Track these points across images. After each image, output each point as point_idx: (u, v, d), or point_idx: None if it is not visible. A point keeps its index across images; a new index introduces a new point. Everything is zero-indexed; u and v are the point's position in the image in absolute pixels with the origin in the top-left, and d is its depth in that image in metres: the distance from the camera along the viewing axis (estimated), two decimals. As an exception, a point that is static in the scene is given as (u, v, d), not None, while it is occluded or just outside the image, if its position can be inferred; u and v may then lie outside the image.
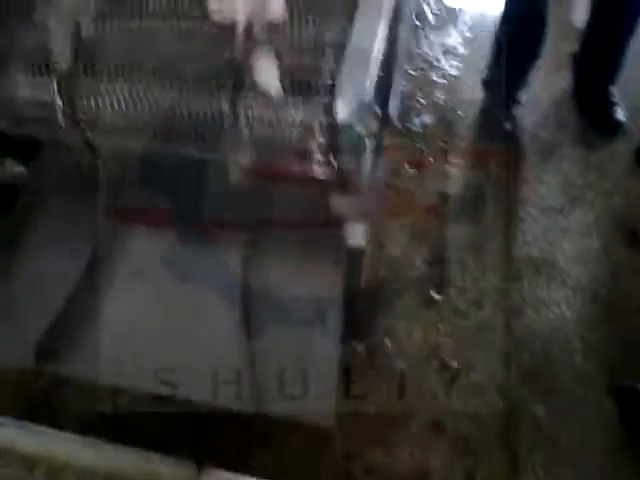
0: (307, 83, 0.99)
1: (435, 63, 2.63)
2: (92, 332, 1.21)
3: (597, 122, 2.28)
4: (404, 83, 2.34)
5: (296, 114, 0.98)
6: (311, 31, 1.04)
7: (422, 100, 2.45)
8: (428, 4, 2.82)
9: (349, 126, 0.96)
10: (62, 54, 1.07)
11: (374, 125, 1.02)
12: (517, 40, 2.12)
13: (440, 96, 2.49)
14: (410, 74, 2.51)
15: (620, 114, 2.27)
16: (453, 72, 2.60)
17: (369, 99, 0.98)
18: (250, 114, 1.00)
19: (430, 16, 2.81)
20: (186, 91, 1.02)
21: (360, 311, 1.63)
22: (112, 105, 1.04)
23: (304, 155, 1.01)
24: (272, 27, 0.98)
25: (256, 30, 0.98)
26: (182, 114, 1.03)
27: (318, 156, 1.00)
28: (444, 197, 2.09)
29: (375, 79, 1.02)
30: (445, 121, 2.38)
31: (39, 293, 1.22)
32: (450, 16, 2.81)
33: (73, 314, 1.22)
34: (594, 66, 2.30)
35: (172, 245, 1.32)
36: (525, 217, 2.03)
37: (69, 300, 1.22)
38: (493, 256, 1.92)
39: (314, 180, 1.03)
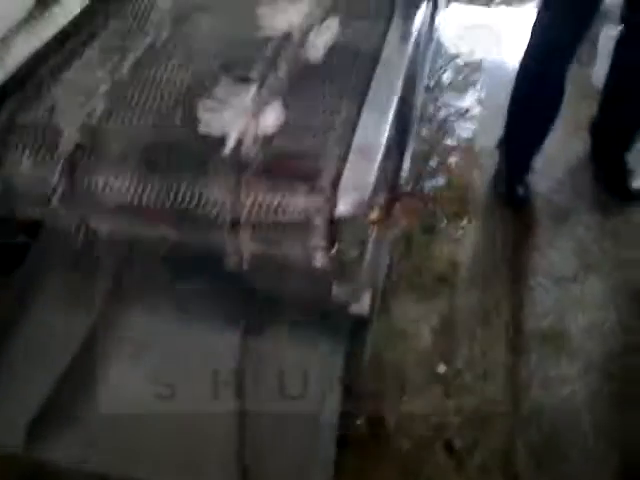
0: (309, 176, 0.99)
1: (449, 126, 2.63)
2: (87, 413, 1.19)
3: (613, 189, 2.25)
4: (416, 146, 2.34)
5: (298, 206, 0.97)
6: (316, 124, 1.04)
7: (435, 163, 2.45)
8: (443, 66, 2.85)
9: (351, 219, 0.95)
10: (69, 135, 1.08)
11: (377, 215, 1.00)
12: (533, 104, 2.12)
13: (454, 159, 2.48)
14: (423, 137, 2.51)
15: (636, 182, 2.24)
16: (467, 135, 2.59)
17: (373, 191, 0.98)
18: (252, 202, 1.00)
19: (445, 78, 2.83)
20: (185, 179, 1.02)
21: (363, 385, 1.59)
22: (113, 189, 1.04)
23: (305, 245, 0.99)
24: (266, 140, 0.98)
25: (246, 145, 0.98)
26: (183, 200, 1.02)
27: (319, 247, 0.99)
28: (455, 264, 2.06)
29: (380, 171, 1.01)
30: (458, 185, 2.36)
31: (32, 371, 1.21)
32: (465, 78, 2.82)
33: (67, 394, 1.20)
34: (612, 133, 2.27)
35: (172, 323, 1.31)
36: (536, 286, 1.99)
37: (63, 379, 1.20)
38: (502, 327, 1.87)
39: (315, 269, 1.01)
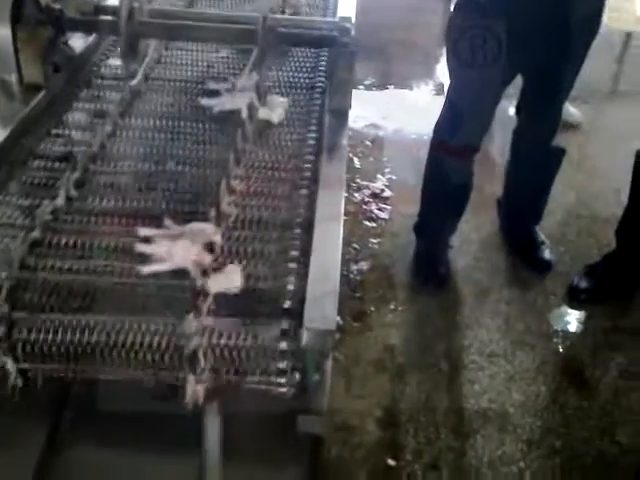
0: (270, 304, 0.97)
1: (365, 207, 2.71)
2: None
3: (527, 262, 2.37)
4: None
5: (257, 338, 0.95)
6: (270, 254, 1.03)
7: (357, 246, 2.50)
8: (355, 151, 2.94)
9: (312, 349, 0.94)
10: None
11: (335, 337, 1.00)
12: (445, 187, 2.21)
13: (374, 240, 2.54)
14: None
15: (547, 253, 2.37)
16: (383, 215, 2.67)
17: (335, 314, 0.97)
18: (209, 339, 0.96)
19: (357, 162, 2.92)
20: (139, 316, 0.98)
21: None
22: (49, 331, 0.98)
23: (265, 377, 0.97)
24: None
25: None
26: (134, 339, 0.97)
27: (279, 376, 0.97)
28: (390, 349, 2.08)
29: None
30: (382, 267, 2.41)
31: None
32: (376, 163, 2.93)
33: None
34: (517, 210, 2.41)
35: (124, 457, 1.23)
36: (470, 365, 2.04)
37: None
38: (444, 411, 1.89)
39: (276, 399, 0.99)
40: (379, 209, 2.70)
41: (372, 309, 2.22)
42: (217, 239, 1.02)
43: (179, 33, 1.45)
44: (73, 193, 1.11)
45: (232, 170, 1.16)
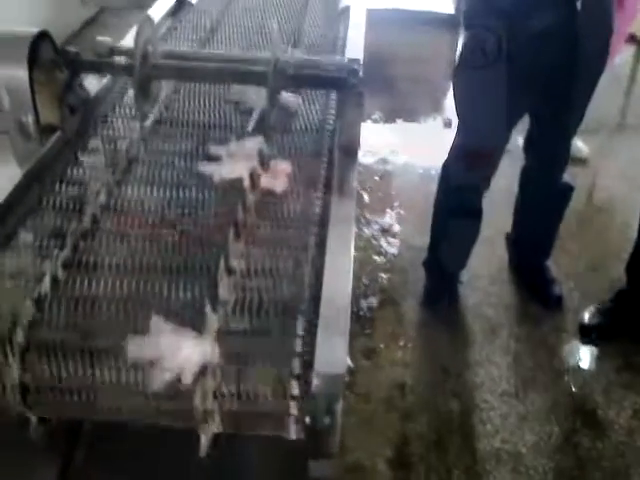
0: (276, 355, 0.97)
1: (374, 242, 2.71)
2: None
3: (536, 298, 2.36)
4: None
5: (267, 384, 0.95)
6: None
7: (366, 281, 2.49)
8: (364, 186, 2.95)
9: (322, 393, 0.93)
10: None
11: (346, 380, 0.99)
12: (454, 223, 2.22)
13: (383, 275, 2.53)
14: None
15: (557, 289, 2.36)
16: (392, 250, 2.67)
17: (346, 358, 0.96)
18: (220, 388, 0.96)
19: (366, 197, 2.93)
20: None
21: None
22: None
23: (276, 421, 0.96)
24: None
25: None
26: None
27: (291, 421, 0.96)
28: (401, 387, 2.06)
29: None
30: (391, 302, 2.40)
31: None
32: (385, 198, 2.94)
33: None
34: (527, 247, 2.41)
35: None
36: (482, 404, 2.02)
37: None
38: (456, 451, 1.87)
39: (287, 443, 0.98)
40: (388, 244, 2.70)
41: (382, 346, 2.21)
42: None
43: (191, 75, 1.46)
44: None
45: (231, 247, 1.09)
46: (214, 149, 1.33)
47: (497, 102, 1.86)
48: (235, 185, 1.23)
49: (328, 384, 0.93)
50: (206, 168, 1.28)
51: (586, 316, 2.26)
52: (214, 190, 1.23)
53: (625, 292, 2.24)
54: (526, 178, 2.29)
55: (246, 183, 1.23)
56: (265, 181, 1.25)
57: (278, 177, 1.26)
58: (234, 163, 1.27)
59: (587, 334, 2.23)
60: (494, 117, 1.91)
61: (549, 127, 2.08)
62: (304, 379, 0.94)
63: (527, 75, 1.85)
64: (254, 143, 1.33)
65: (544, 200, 2.24)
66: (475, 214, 2.17)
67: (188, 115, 1.49)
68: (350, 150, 1.38)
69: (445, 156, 2.18)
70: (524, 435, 1.91)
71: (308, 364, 0.94)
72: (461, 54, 1.94)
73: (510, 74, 1.82)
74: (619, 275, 2.31)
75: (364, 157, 3.12)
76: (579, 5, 1.79)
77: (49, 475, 1.25)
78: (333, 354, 0.94)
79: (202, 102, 1.54)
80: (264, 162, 1.29)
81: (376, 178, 3.06)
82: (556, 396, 2.03)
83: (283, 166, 1.29)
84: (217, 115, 1.49)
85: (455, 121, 2.11)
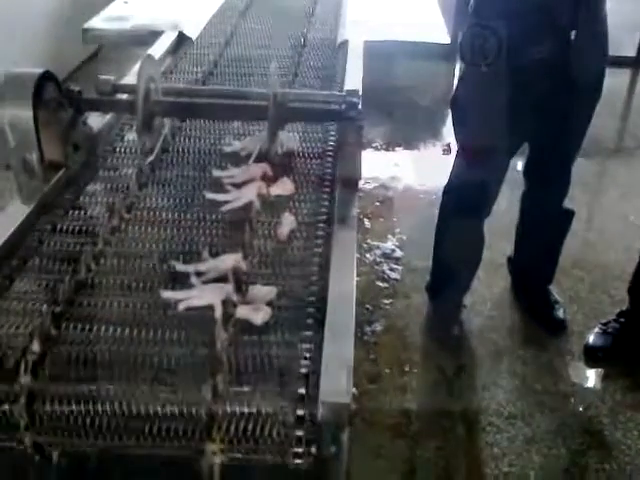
0: (285, 371, 0.98)
1: (376, 267, 2.72)
2: None
3: (540, 322, 2.36)
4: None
5: (271, 407, 0.96)
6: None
7: (370, 307, 2.50)
8: (365, 212, 2.98)
9: (329, 422, 0.94)
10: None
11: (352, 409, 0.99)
12: (456, 248, 2.23)
13: (386, 301, 2.54)
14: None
15: (561, 313, 2.36)
16: (395, 275, 2.68)
17: (351, 387, 0.97)
18: (225, 410, 0.97)
19: (367, 222, 2.96)
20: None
21: None
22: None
23: (281, 446, 0.97)
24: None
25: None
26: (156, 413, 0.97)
27: (296, 447, 0.97)
28: (407, 413, 2.06)
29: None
30: (395, 328, 2.41)
31: None
32: (386, 223, 2.96)
33: None
34: (529, 271, 2.42)
35: None
36: (488, 427, 2.01)
37: None
38: (464, 476, 1.86)
39: (294, 472, 0.98)
40: (390, 269, 2.71)
41: (387, 371, 2.21)
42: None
43: (192, 111, 1.50)
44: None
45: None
46: (180, 266, 1.14)
47: (496, 130, 1.89)
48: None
49: (334, 413, 0.94)
50: (169, 295, 1.08)
51: (591, 338, 2.27)
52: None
53: (628, 313, 2.24)
54: (526, 203, 2.31)
55: (218, 313, 1.03)
56: (242, 311, 1.04)
57: (259, 305, 1.05)
58: (203, 291, 1.08)
59: (592, 355, 2.23)
60: (493, 144, 1.93)
61: (548, 154, 2.10)
62: (310, 408, 0.95)
63: (525, 104, 1.88)
64: (230, 260, 1.13)
65: (545, 225, 2.25)
66: (477, 240, 2.19)
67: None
68: (350, 183, 1.40)
69: (445, 181, 2.21)
70: (531, 457, 1.91)
71: (314, 392, 0.95)
72: (459, 81, 1.99)
73: (508, 103, 1.85)
74: (622, 296, 2.32)
75: (365, 184, 3.15)
76: (573, 35, 1.83)
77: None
78: (338, 383, 0.95)
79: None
80: (241, 286, 1.09)
81: (377, 204, 3.09)
82: (563, 418, 2.02)
83: (266, 290, 1.08)
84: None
85: (454, 147, 2.14)
